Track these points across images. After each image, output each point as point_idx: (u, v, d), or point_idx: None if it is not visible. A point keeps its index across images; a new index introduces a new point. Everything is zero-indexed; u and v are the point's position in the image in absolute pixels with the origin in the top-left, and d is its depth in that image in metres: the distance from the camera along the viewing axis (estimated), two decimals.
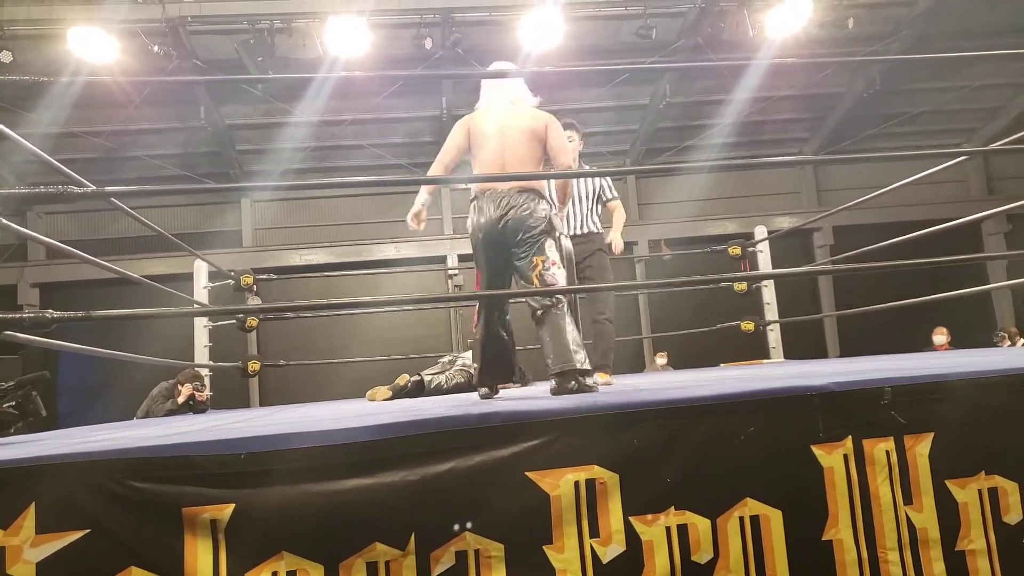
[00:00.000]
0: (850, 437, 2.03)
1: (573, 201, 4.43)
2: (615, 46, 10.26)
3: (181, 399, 5.68)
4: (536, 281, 3.16)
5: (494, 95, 3.45)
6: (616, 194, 4.65)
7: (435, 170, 3.47)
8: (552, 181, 3.52)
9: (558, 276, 3.21)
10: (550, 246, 3.22)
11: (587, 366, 3.08)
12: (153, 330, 9.01)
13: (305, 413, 3.51)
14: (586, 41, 9.86)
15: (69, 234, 11.48)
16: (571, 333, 3.13)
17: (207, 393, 5.92)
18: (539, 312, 3.16)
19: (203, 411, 5.67)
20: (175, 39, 8.85)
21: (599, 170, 4.45)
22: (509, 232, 3.20)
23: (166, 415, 5.55)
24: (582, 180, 4.50)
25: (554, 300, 3.14)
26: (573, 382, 3.02)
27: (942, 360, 3.34)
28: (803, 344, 10.27)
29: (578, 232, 4.44)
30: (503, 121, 3.33)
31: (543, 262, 3.18)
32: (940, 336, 9.28)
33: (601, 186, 4.59)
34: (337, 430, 1.89)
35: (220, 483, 1.77)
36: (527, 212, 3.18)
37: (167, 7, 8.54)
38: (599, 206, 4.60)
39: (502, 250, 3.27)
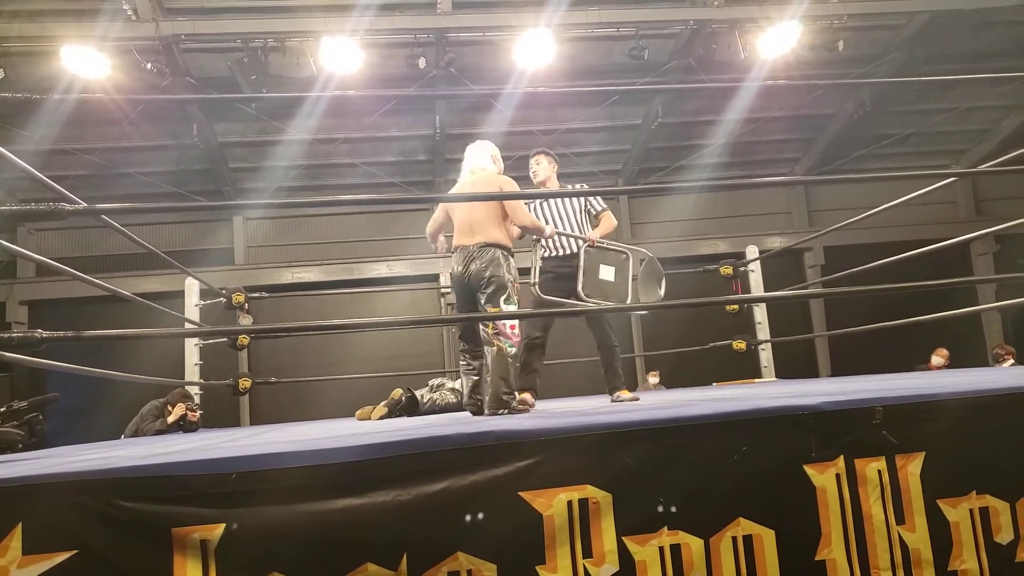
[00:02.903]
0: (842, 456, 2.03)
1: (560, 222, 4.43)
2: (608, 67, 10.35)
3: (172, 419, 5.61)
4: (489, 328, 3.63)
5: (464, 168, 4.03)
6: (605, 206, 4.57)
7: (431, 241, 4.15)
8: (518, 225, 3.95)
9: (505, 328, 3.61)
10: (506, 298, 3.66)
11: (513, 403, 3.56)
12: (143, 348, 8.92)
13: (296, 432, 3.49)
14: (579, 62, 9.93)
15: (60, 251, 11.37)
16: (512, 369, 3.59)
17: (198, 413, 5.88)
18: (488, 344, 3.63)
19: (193, 430, 5.62)
20: (168, 57, 8.86)
21: (590, 189, 4.45)
22: (472, 282, 3.72)
23: (155, 434, 5.49)
24: (567, 201, 4.49)
25: (500, 338, 3.60)
26: (503, 409, 3.51)
27: (933, 380, 3.36)
28: (795, 363, 10.27)
29: (571, 252, 4.39)
30: (467, 190, 3.90)
31: (498, 311, 3.65)
32: (939, 358, 8.99)
33: (588, 202, 4.54)
34: (329, 449, 1.88)
35: (210, 503, 1.76)
36: (484, 266, 3.67)
37: (160, 25, 8.55)
38: (589, 224, 4.52)
39: (469, 294, 3.78)
